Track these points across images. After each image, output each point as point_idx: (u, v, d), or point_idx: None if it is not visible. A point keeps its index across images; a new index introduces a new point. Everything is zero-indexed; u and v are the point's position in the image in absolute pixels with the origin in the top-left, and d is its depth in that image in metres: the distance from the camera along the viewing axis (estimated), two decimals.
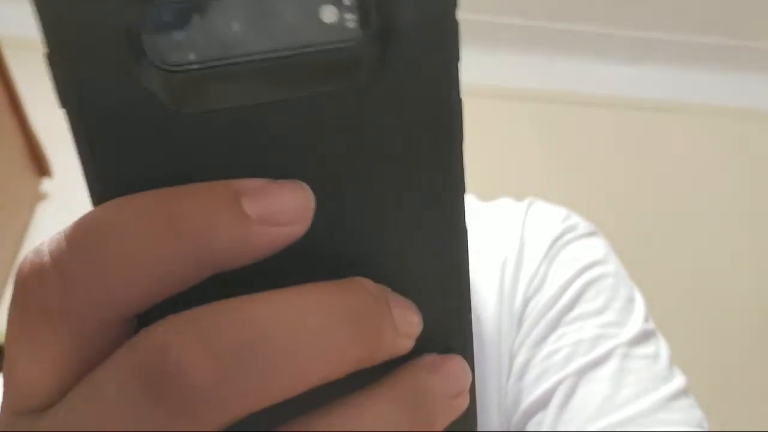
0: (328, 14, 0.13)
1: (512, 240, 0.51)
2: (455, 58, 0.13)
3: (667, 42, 1.77)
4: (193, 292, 0.13)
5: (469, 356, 0.16)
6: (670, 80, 1.83)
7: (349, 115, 0.13)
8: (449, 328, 0.16)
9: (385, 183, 0.14)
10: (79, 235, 0.13)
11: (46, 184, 1.39)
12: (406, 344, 0.15)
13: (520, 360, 0.46)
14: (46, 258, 0.13)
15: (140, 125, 0.13)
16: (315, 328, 0.13)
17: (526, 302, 0.48)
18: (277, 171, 0.14)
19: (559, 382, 0.43)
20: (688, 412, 0.41)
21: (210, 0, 0.12)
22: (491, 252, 0.51)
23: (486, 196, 0.57)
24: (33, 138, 1.29)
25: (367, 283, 0.14)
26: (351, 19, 0.13)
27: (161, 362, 0.12)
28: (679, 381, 0.43)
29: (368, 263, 0.15)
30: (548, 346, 0.45)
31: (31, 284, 0.13)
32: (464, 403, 0.15)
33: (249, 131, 0.13)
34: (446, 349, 0.16)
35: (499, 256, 0.50)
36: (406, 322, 0.15)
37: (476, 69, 1.72)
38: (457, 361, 0.16)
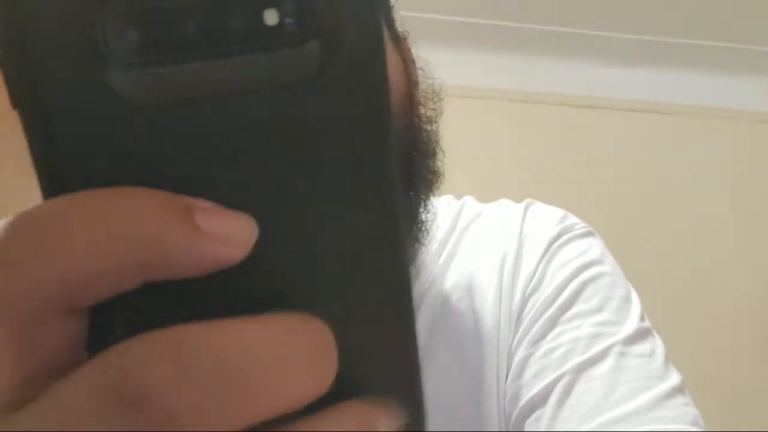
0: (270, 17, 0.13)
1: (511, 240, 0.51)
2: (382, 59, 0.14)
3: (664, 44, 1.77)
4: (137, 303, 0.13)
5: (417, 378, 0.16)
6: (667, 82, 1.83)
7: (289, 113, 0.14)
8: (394, 369, 0.16)
9: (317, 189, 0.14)
10: (23, 222, 0.13)
11: None
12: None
13: (518, 357, 0.46)
14: None
15: (97, 121, 0.14)
16: (284, 358, 0.13)
17: (525, 301, 0.48)
18: (225, 165, 0.14)
19: (557, 380, 0.43)
20: (684, 410, 0.42)
21: (164, 2, 0.13)
22: (490, 251, 0.51)
23: (485, 198, 0.58)
24: None
25: (318, 320, 0.14)
26: (291, 23, 0.13)
27: (135, 382, 0.12)
28: (674, 379, 0.43)
29: (305, 281, 0.15)
30: (546, 344, 0.45)
31: None
32: None
33: (199, 129, 0.14)
34: (386, 370, 0.16)
35: (498, 256, 0.51)
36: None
37: (476, 71, 1.73)
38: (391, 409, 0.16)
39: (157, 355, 0.13)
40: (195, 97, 0.14)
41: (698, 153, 1.77)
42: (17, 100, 0.14)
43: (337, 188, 0.15)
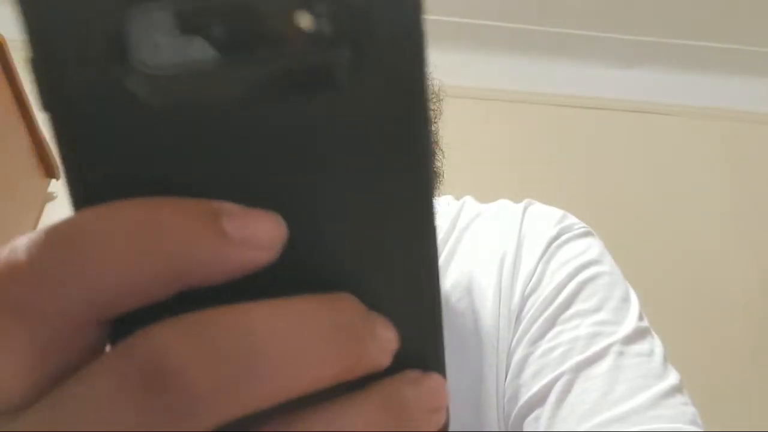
0: (303, 21, 0.13)
1: (510, 240, 0.51)
2: (423, 63, 0.14)
3: (664, 45, 1.77)
4: (167, 308, 0.13)
5: (443, 375, 0.16)
6: (667, 82, 1.83)
7: (322, 119, 0.14)
8: (424, 347, 0.16)
9: (355, 191, 0.14)
10: (57, 235, 0.13)
11: (54, 186, 1.40)
12: (384, 360, 0.15)
13: (517, 357, 0.46)
14: (21, 256, 0.13)
15: (123, 127, 0.14)
16: (305, 338, 0.13)
17: (524, 300, 0.48)
18: (252, 169, 0.14)
19: (556, 379, 0.44)
20: (682, 409, 0.42)
21: (190, 5, 0.13)
22: (490, 251, 0.52)
23: (485, 198, 0.58)
24: (40, 140, 1.30)
25: (352, 299, 0.15)
26: (325, 26, 0.13)
27: (160, 362, 0.12)
28: (673, 378, 0.43)
29: (339, 281, 0.15)
30: (545, 344, 0.45)
31: (4, 281, 0.13)
32: (441, 419, 0.16)
33: (227, 133, 0.14)
34: (423, 367, 0.16)
35: (497, 256, 0.51)
36: (384, 339, 0.15)
37: (476, 72, 1.73)
38: (436, 379, 0.16)
39: (179, 337, 0.13)
40: (220, 102, 0.13)
41: (698, 153, 1.77)
42: (46, 104, 0.14)
43: (368, 189, 0.14)
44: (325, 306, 0.14)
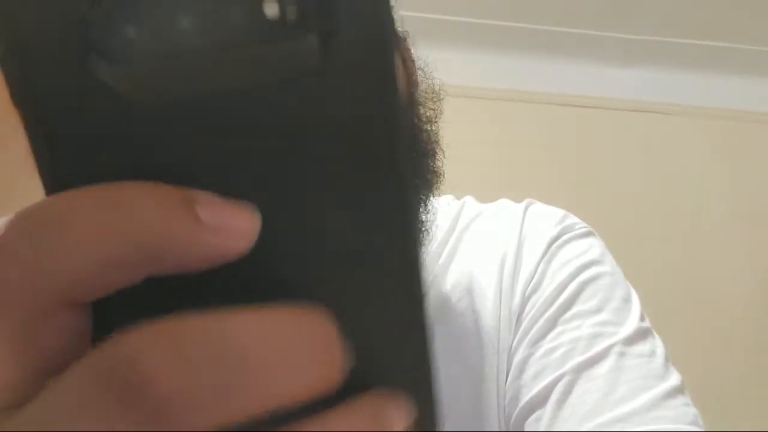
0: (270, 9, 0.13)
1: (511, 240, 0.51)
2: (391, 49, 0.14)
3: (664, 44, 1.78)
4: (141, 300, 0.13)
5: (430, 387, 0.16)
6: (667, 82, 1.83)
7: (293, 107, 0.14)
8: (405, 355, 0.16)
9: (325, 183, 0.14)
10: (26, 217, 0.13)
11: None
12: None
13: (518, 358, 0.46)
14: None
15: (95, 118, 0.13)
16: (284, 347, 0.13)
17: (525, 301, 0.48)
18: (225, 161, 0.14)
19: (557, 380, 0.44)
20: (683, 410, 0.42)
21: None
22: (490, 251, 0.51)
23: (485, 198, 0.58)
24: None
25: (326, 313, 0.14)
26: (292, 14, 0.13)
27: (132, 369, 0.12)
28: (674, 379, 0.43)
29: (313, 276, 0.15)
30: (546, 344, 0.45)
31: None
32: None
33: (198, 122, 0.14)
34: (407, 379, 0.16)
35: (498, 256, 0.51)
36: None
37: (476, 71, 1.73)
38: (402, 402, 0.16)
39: (153, 341, 0.12)
40: (191, 92, 0.13)
41: (698, 153, 1.77)
42: (16, 98, 0.14)
43: (342, 179, 0.14)
44: (302, 317, 0.14)
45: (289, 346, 0.13)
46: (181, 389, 0.12)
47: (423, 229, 0.48)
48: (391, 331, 0.16)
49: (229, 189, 0.14)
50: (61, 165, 0.14)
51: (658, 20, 1.71)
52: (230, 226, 0.13)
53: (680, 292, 1.61)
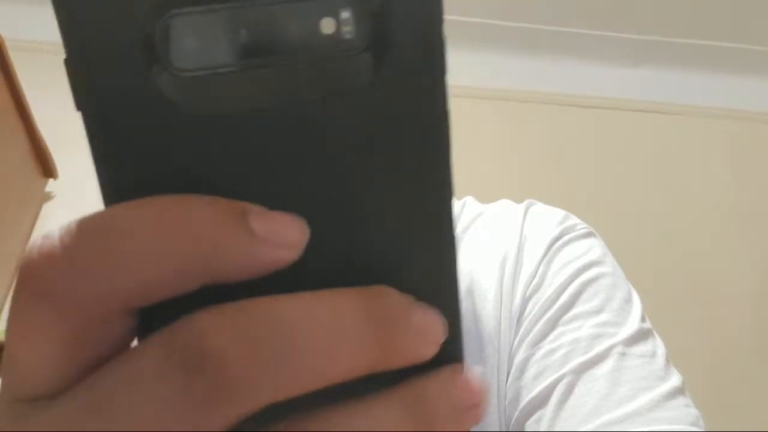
0: (327, 26, 0.14)
1: (512, 240, 0.51)
2: (443, 69, 0.14)
3: (664, 44, 1.78)
4: (192, 305, 0.14)
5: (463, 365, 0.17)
6: (667, 82, 1.83)
7: (344, 121, 0.14)
8: (450, 337, 0.16)
9: (376, 190, 0.15)
10: (91, 225, 0.14)
11: (51, 185, 1.40)
12: (426, 351, 0.15)
13: (519, 358, 0.46)
14: (56, 243, 0.14)
15: (153, 127, 0.14)
16: (339, 327, 0.14)
17: (526, 301, 0.48)
18: (276, 170, 0.15)
19: (558, 381, 0.43)
20: (684, 411, 0.42)
21: (219, 11, 0.13)
22: (491, 252, 0.51)
23: (486, 198, 0.58)
24: (38, 140, 1.29)
25: (391, 291, 0.15)
26: (348, 32, 0.14)
27: (200, 346, 0.13)
28: (675, 380, 0.43)
29: (365, 276, 0.15)
30: (547, 345, 0.45)
31: (39, 266, 0.14)
32: (477, 417, 0.16)
33: (253, 134, 0.14)
34: (452, 359, 0.16)
35: (498, 256, 0.51)
36: (425, 329, 0.15)
37: (476, 71, 1.73)
38: (473, 376, 0.16)
39: (219, 322, 0.13)
40: (249, 104, 0.14)
41: (699, 152, 1.77)
42: (79, 103, 0.14)
43: (387, 190, 0.15)
44: (360, 297, 0.14)
45: (347, 326, 0.14)
46: (245, 364, 0.13)
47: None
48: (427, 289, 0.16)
49: (279, 197, 0.14)
50: (118, 170, 0.15)
51: (661, 20, 1.71)
52: (281, 238, 0.14)
53: (681, 292, 1.61)
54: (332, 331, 0.14)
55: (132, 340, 0.15)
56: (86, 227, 0.14)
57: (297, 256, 0.14)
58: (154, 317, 0.14)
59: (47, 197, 1.40)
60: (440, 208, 0.15)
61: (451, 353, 0.16)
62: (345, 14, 0.14)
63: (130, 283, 0.14)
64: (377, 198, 0.15)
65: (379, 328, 0.14)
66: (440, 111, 0.14)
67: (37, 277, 0.14)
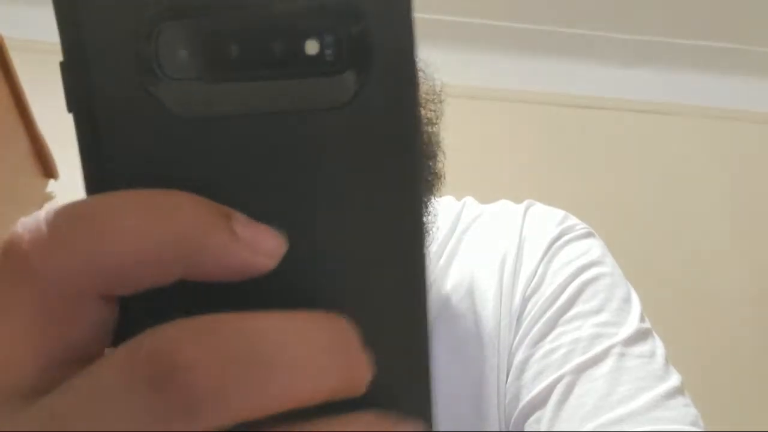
0: (311, 47, 0.15)
1: (511, 241, 0.51)
2: (415, 89, 0.15)
3: (664, 44, 1.78)
4: (166, 305, 0.14)
5: (427, 408, 0.17)
6: (667, 82, 1.83)
7: (324, 135, 0.15)
8: (409, 374, 0.17)
9: (348, 201, 0.15)
10: (76, 207, 0.14)
11: (52, 186, 1.40)
12: (362, 387, 0.15)
13: (518, 358, 0.46)
14: (42, 224, 0.14)
15: (144, 129, 0.15)
16: (310, 349, 0.14)
17: (525, 301, 0.48)
18: (258, 179, 0.15)
19: (557, 381, 0.44)
20: (683, 411, 0.42)
21: (211, 27, 0.14)
22: (491, 252, 0.52)
23: (485, 198, 0.58)
24: (39, 140, 1.29)
25: (348, 321, 0.15)
26: (329, 54, 0.15)
27: (168, 359, 0.13)
28: (674, 380, 0.43)
29: (329, 293, 0.16)
30: (546, 345, 0.46)
31: (21, 241, 0.14)
32: None
33: (236, 142, 0.15)
34: (402, 399, 0.16)
35: (498, 257, 0.51)
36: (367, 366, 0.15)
37: (476, 71, 1.73)
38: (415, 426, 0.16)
39: (189, 335, 0.13)
40: (234, 114, 0.15)
41: (698, 153, 1.77)
42: (72, 105, 0.15)
43: (362, 205, 0.15)
44: (327, 322, 0.14)
45: (316, 349, 0.14)
46: (213, 381, 0.13)
47: (426, 234, 0.48)
48: (395, 350, 0.16)
49: (258, 206, 0.15)
50: (107, 171, 0.15)
51: (660, 21, 1.71)
52: (261, 245, 0.14)
53: (680, 292, 1.61)
54: (302, 352, 0.14)
55: (107, 340, 0.15)
56: (71, 209, 0.14)
57: (273, 266, 0.15)
58: (132, 310, 0.15)
59: (48, 197, 1.40)
60: (412, 227, 0.16)
61: (411, 393, 0.16)
62: (328, 37, 0.15)
63: (109, 262, 0.14)
64: (350, 217, 0.15)
65: (342, 355, 0.14)
66: (415, 124, 0.15)
67: (16, 250, 0.14)
